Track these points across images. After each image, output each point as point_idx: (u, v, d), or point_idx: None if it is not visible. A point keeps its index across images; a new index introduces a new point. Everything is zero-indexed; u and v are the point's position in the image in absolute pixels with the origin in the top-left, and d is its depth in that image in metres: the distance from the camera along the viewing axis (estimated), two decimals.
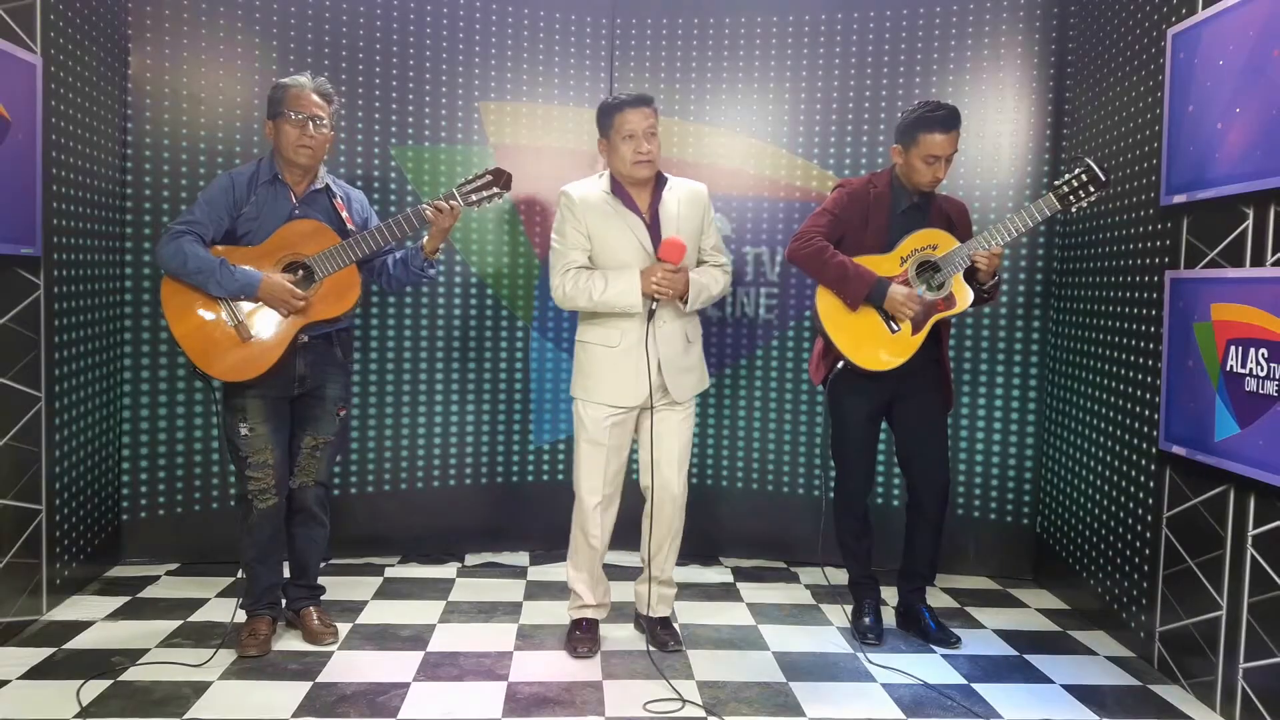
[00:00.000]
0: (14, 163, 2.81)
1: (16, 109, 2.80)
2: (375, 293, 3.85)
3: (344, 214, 2.90)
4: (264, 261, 2.77)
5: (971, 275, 2.94)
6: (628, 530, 3.09)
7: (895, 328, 2.93)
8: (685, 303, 2.85)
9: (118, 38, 3.50)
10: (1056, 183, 2.88)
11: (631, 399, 2.84)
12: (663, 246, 2.77)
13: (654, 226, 2.86)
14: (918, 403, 3.06)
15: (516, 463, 4.11)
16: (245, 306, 2.75)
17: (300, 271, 2.79)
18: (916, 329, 2.92)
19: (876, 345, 2.93)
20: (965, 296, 2.93)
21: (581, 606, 2.98)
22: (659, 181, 2.90)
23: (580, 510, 2.93)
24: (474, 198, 2.93)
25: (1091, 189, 2.81)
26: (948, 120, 2.89)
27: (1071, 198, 2.82)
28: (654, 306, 2.80)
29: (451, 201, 2.88)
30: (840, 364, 2.95)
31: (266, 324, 2.76)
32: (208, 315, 2.74)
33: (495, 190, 2.94)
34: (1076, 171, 2.83)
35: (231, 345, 2.73)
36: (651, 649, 2.93)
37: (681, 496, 2.98)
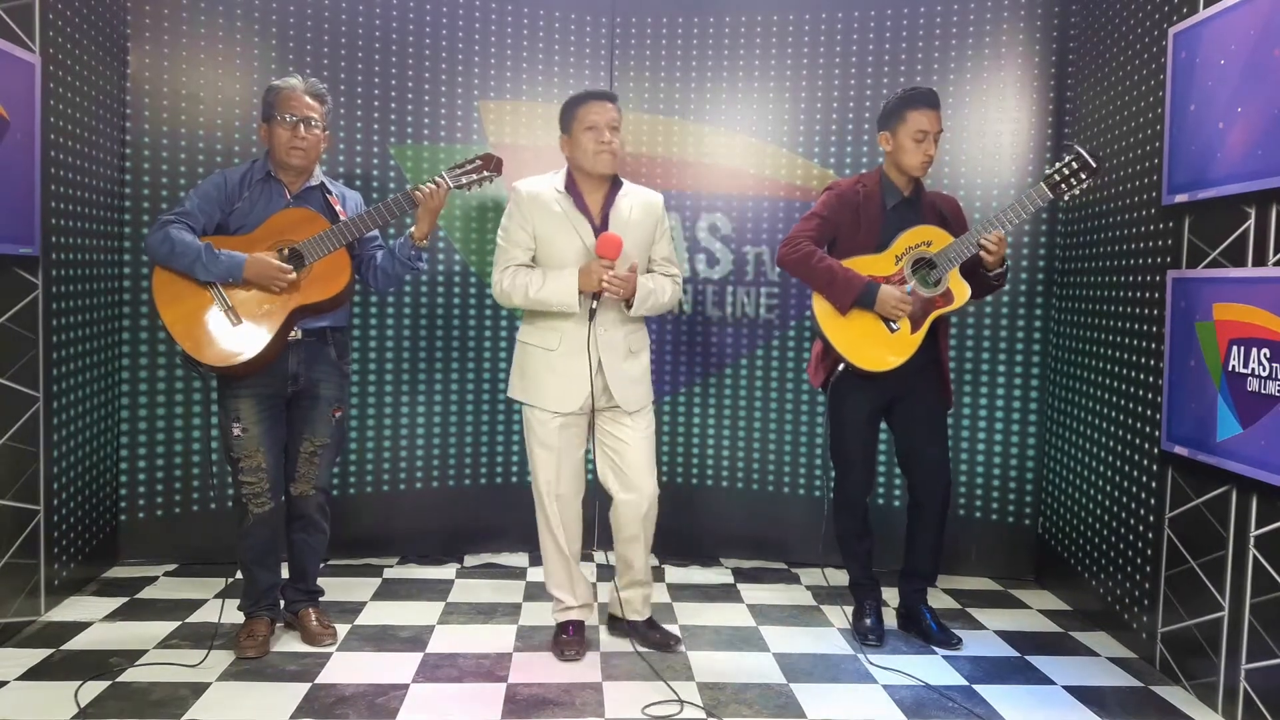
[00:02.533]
0: (13, 162, 2.80)
1: (15, 108, 2.79)
2: (374, 292, 3.85)
3: (338, 208, 2.89)
4: (254, 248, 2.74)
5: (975, 267, 2.94)
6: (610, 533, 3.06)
7: (894, 327, 2.92)
8: (630, 306, 2.81)
9: (117, 37, 3.50)
10: (1048, 170, 2.88)
11: (571, 404, 2.81)
12: (599, 241, 2.73)
13: (603, 226, 2.83)
14: (918, 402, 3.06)
15: (516, 463, 4.10)
16: (235, 293, 2.72)
17: (288, 253, 2.76)
18: (915, 327, 2.92)
19: (876, 345, 2.93)
20: (963, 292, 2.92)
21: (565, 609, 2.97)
22: (614, 185, 2.86)
23: (542, 514, 2.91)
24: (464, 180, 2.90)
25: (1083, 175, 2.81)
26: (931, 98, 2.95)
27: (1063, 185, 2.82)
28: (594, 305, 2.75)
29: (438, 179, 2.86)
30: (841, 366, 2.94)
31: (257, 309, 2.73)
32: (198, 302, 2.72)
33: (486, 174, 2.92)
34: (1067, 159, 2.83)
35: (222, 331, 2.71)
36: (643, 650, 2.91)
37: (651, 494, 2.91)
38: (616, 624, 3.06)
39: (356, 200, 3.02)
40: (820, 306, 2.97)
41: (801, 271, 2.98)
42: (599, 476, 2.93)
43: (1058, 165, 2.85)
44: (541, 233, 2.82)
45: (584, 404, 2.82)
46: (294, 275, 2.73)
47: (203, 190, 2.81)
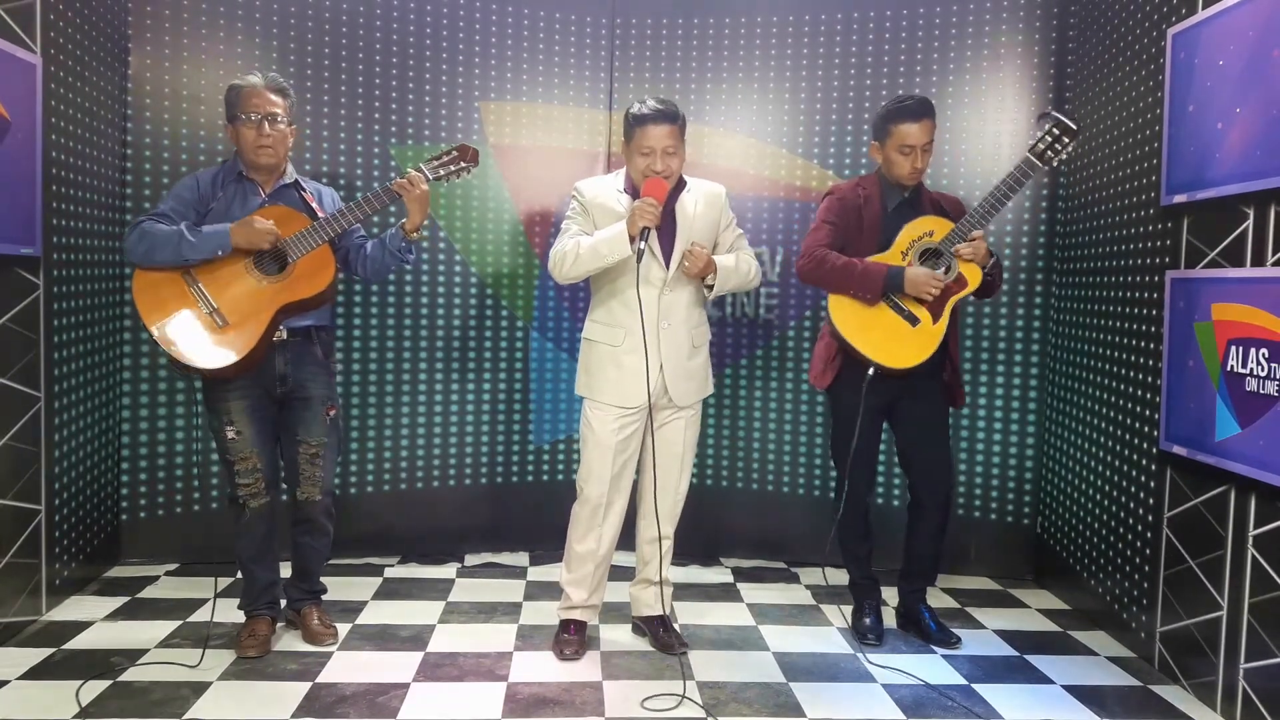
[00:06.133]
0: (14, 163, 2.81)
1: (16, 109, 2.80)
2: (375, 292, 3.85)
3: (314, 205, 2.87)
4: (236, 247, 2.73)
5: None
6: (624, 528, 3.07)
7: (916, 320, 2.92)
8: (711, 288, 2.84)
9: (118, 37, 3.50)
10: (1031, 142, 2.88)
11: (634, 399, 2.82)
12: (646, 185, 2.75)
13: (667, 229, 2.82)
14: (920, 402, 3.05)
15: (516, 463, 4.10)
16: (218, 294, 2.70)
17: (274, 258, 2.75)
18: (935, 317, 2.91)
19: (902, 343, 2.91)
20: (975, 274, 2.92)
21: (570, 607, 2.97)
22: (678, 185, 2.87)
23: (584, 511, 2.91)
24: (441, 172, 2.90)
25: (1066, 140, 2.83)
26: (918, 109, 2.91)
27: (1049, 153, 2.84)
28: (642, 246, 2.71)
29: (413, 172, 2.85)
30: (871, 370, 2.91)
31: (242, 310, 2.71)
32: (181, 306, 2.69)
33: (462, 165, 2.92)
34: (1048, 127, 2.85)
35: (208, 332, 2.69)
36: (654, 650, 2.92)
37: (681, 495, 2.97)
38: (635, 624, 3.09)
39: (333, 196, 3.01)
40: (838, 314, 2.95)
41: (822, 276, 2.97)
42: (640, 471, 2.96)
43: (1040, 134, 2.86)
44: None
45: (645, 401, 2.82)
46: (279, 230, 2.70)
47: (176, 193, 2.80)
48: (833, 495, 3.18)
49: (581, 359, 2.96)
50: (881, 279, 2.88)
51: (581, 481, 2.92)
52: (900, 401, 3.06)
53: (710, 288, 2.86)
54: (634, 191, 2.84)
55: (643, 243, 2.71)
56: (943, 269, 2.90)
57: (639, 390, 2.81)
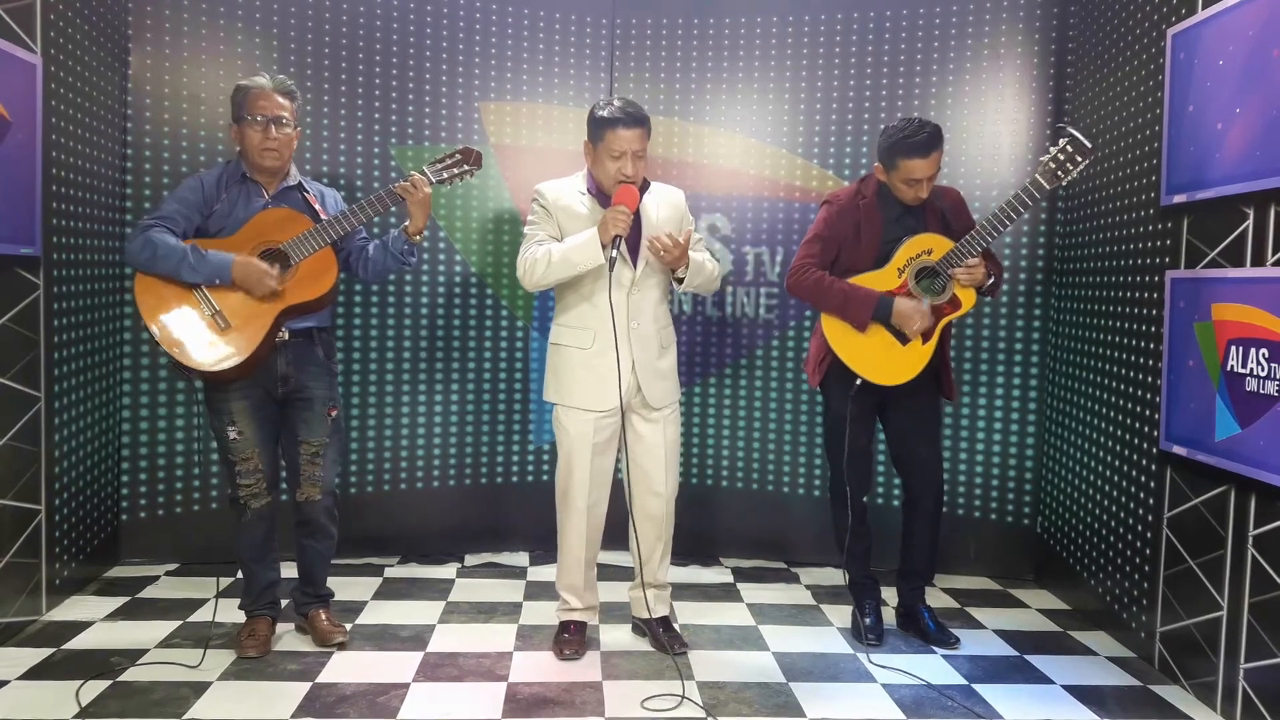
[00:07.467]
0: (14, 163, 2.81)
1: (16, 109, 2.80)
2: (375, 292, 3.85)
3: (317, 206, 2.86)
4: (238, 250, 2.72)
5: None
6: (622, 529, 3.08)
7: (906, 339, 2.92)
8: (681, 281, 2.83)
9: (118, 37, 3.50)
10: (1043, 158, 2.80)
11: (607, 401, 2.81)
12: (619, 192, 2.74)
13: (633, 230, 2.80)
14: (911, 401, 3.05)
15: (516, 463, 4.10)
16: (221, 296, 2.69)
17: (276, 260, 2.73)
18: (926, 337, 2.92)
19: (891, 360, 2.93)
20: (970, 297, 2.93)
21: (570, 609, 2.98)
22: (641, 187, 2.86)
23: (568, 517, 2.91)
24: (444, 175, 2.89)
25: (1079, 159, 2.75)
26: (926, 145, 2.84)
27: (1060, 173, 2.76)
28: (614, 255, 2.70)
29: (416, 175, 2.83)
30: (859, 381, 2.94)
31: (244, 312, 2.70)
32: (183, 307, 2.68)
33: (466, 168, 2.91)
34: (1062, 143, 2.76)
35: (210, 334, 2.68)
36: (654, 650, 2.92)
37: (670, 495, 2.96)
38: (636, 624, 3.08)
39: (335, 198, 3.00)
40: (831, 328, 2.97)
41: (814, 297, 2.98)
42: (623, 475, 2.94)
43: (1053, 152, 2.78)
44: (569, 234, 2.82)
45: (618, 402, 2.81)
46: (279, 285, 2.70)
47: (180, 194, 2.78)
48: (830, 495, 3.18)
49: (549, 364, 2.94)
50: (870, 308, 2.89)
51: (561, 486, 2.91)
52: (892, 400, 3.06)
53: (680, 280, 2.86)
54: (598, 192, 2.84)
55: (614, 251, 2.70)
56: (939, 289, 2.90)
57: (612, 392, 2.80)
